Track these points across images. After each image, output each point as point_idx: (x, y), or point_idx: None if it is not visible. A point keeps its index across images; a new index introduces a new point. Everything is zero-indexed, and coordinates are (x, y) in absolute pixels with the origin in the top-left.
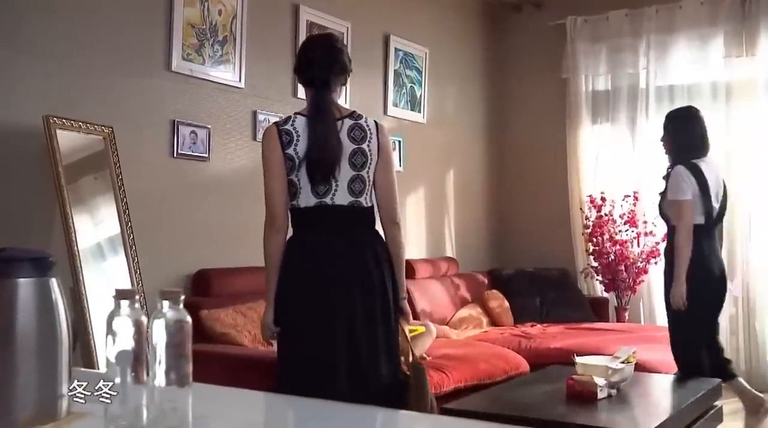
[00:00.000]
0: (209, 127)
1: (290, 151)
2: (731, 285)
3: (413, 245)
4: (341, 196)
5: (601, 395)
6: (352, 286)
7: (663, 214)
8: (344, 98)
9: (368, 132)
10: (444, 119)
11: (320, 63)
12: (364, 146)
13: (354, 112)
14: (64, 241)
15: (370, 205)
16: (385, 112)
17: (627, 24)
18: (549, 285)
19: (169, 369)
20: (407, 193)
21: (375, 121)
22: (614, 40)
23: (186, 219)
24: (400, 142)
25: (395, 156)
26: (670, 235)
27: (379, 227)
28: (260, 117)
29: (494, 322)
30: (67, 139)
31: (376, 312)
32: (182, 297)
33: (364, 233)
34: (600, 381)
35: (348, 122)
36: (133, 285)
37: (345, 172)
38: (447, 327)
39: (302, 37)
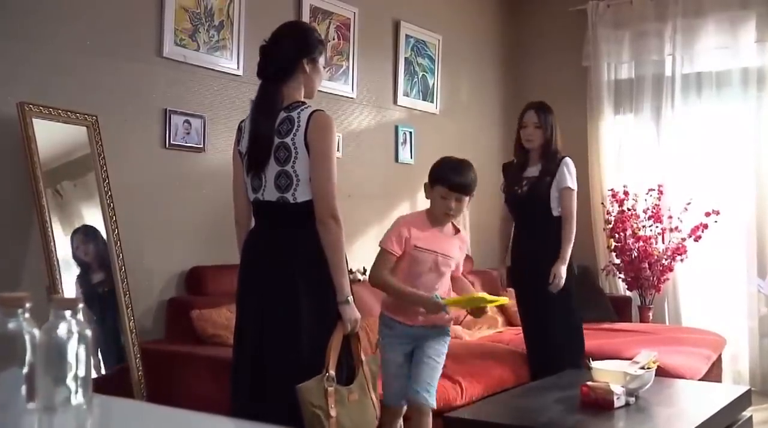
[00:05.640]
0: (205, 116)
1: (240, 147)
2: (762, 283)
3: None
4: (269, 192)
5: (617, 403)
6: (261, 285)
7: (541, 199)
8: (351, 88)
9: (295, 125)
10: (458, 109)
11: (265, 51)
12: (287, 140)
13: (295, 103)
14: (40, 240)
15: (300, 200)
16: (395, 101)
17: (651, 8)
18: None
19: (66, 392)
20: (418, 187)
21: (312, 113)
22: (638, 25)
23: (179, 214)
24: (411, 133)
25: (407, 148)
26: (546, 223)
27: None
28: None
29: (510, 322)
30: (45, 129)
31: (267, 315)
32: (80, 306)
33: (288, 231)
34: (617, 388)
35: (282, 115)
36: (117, 285)
37: (271, 167)
38: (460, 328)
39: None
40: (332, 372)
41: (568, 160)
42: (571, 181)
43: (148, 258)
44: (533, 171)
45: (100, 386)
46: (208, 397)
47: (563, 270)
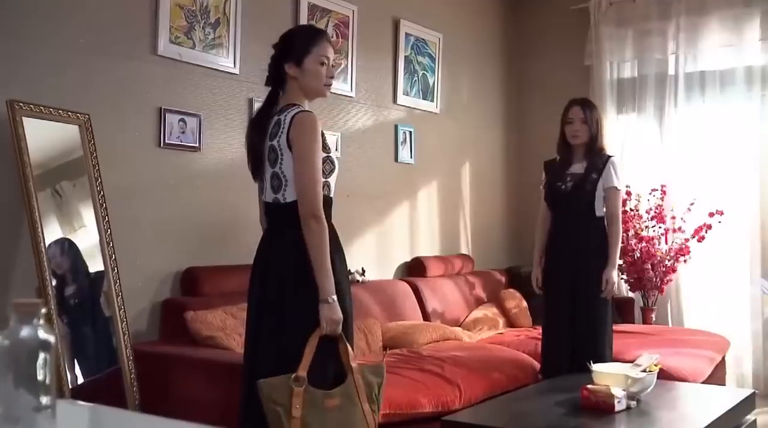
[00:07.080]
0: (200, 114)
1: None
2: (766, 284)
3: (425, 242)
4: (268, 193)
5: (618, 407)
6: (257, 287)
7: (586, 197)
8: (350, 87)
9: (281, 127)
10: (459, 108)
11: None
12: (275, 142)
13: (287, 105)
14: (30, 242)
15: (289, 201)
16: (394, 100)
17: (655, 6)
18: None
19: (29, 400)
20: (418, 187)
21: (295, 114)
22: (641, 23)
23: (174, 215)
24: (411, 132)
25: (407, 147)
26: (589, 221)
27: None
28: (257, 105)
29: (511, 323)
30: (35, 128)
31: (262, 316)
32: (42, 311)
33: (280, 231)
34: (618, 391)
35: (275, 118)
36: (109, 287)
37: (267, 169)
38: (460, 329)
39: (303, 20)
40: (302, 374)
41: (614, 159)
42: (617, 181)
43: (142, 259)
44: (578, 167)
45: (93, 389)
46: (203, 400)
47: (614, 275)
